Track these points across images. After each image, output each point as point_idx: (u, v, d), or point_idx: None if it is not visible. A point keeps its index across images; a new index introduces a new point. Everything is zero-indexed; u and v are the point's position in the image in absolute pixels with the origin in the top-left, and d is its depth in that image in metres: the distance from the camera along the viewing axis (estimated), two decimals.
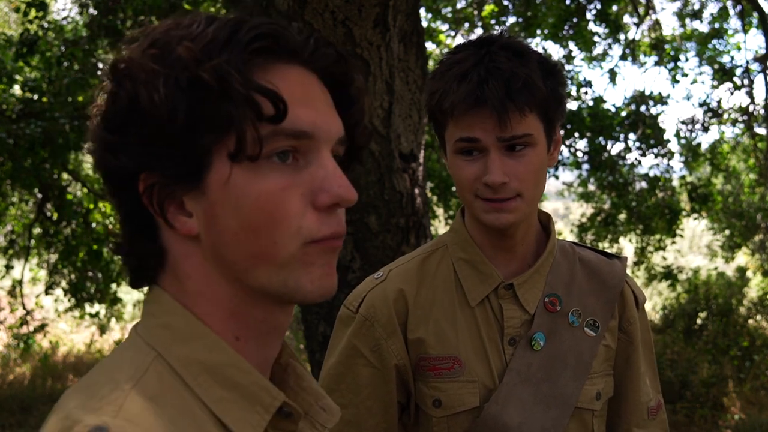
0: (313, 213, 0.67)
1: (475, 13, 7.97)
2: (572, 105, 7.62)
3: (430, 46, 7.88)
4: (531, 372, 1.20)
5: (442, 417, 1.20)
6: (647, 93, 7.74)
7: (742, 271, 9.72)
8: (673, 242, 7.93)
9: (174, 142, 0.64)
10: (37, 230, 7.33)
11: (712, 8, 8.88)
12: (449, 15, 8.17)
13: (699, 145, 8.30)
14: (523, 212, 1.17)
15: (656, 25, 8.29)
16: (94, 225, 7.36)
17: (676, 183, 7.90)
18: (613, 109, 7.60)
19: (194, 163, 0.65)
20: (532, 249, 1.27)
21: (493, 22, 7.83)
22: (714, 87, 8.26)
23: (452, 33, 8.27)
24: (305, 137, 0.66)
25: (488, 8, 7.80)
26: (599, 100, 7.61)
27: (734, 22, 8.72)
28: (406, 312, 1.24)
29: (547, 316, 1.23)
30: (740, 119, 8.10)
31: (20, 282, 7.58)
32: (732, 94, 8.43)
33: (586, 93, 7.82)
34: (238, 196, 0.65)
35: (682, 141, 8.28)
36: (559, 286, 1.26)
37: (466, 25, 8.15)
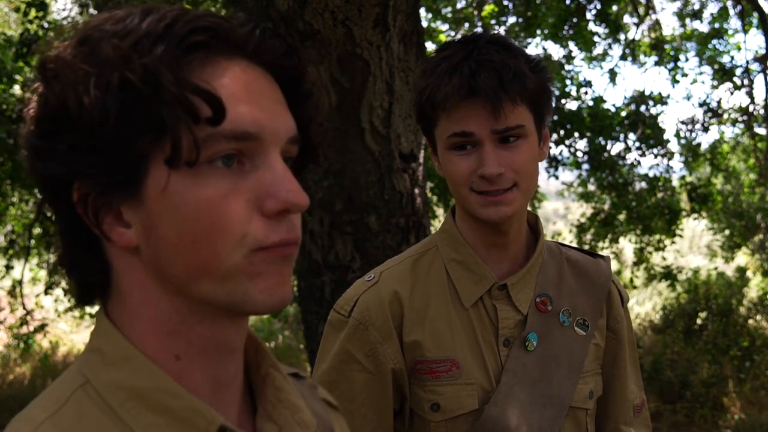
0: (261, 219, 0.62)
1: (475, 13, 7.97)
2: (572, 105, 7.62)
3: (430, 46, 7.87)
4: (526, 372, 1.20)
5: (441, 421, 1.18)
6: (647, 93, 7.75)
7: (742, 271, 9.72)
8: (673, 242, 7.92)
9: (106, 148, 0.59)
10: (37, 230, 7.32)
11: (712, 8, 8.89)
12: (449, 15, 8.18)
13: (699, 145, 8.31)
14: (519, 204, 1.17)
15: (656, 25, 8.29)
16: None
17: (675, 183, 7.90)
18: (613, 109, 7.60)
19: (129, 170, 0.60)
20: (522, 249, 1.26)
21: (493, 22, 7.83)
22: (714, 87, 8.28)
23: (452, 33, 8.27)
24: (249, 139, 0.61)
25: (488, 8, 7.80)
26: (599, 100, 7.61)
27: (734, 22, 8.73)
28: (402, 314, 1.21)
29: (539, 316, 1.23)
30: (740, 119, 8.11)
31: (20, 282, 7.55)
32: (732, 94, 8.44)
33: (586, 93, 7.82)
34: (176, 204, 0.60)
35: (682, 141, 8.29)
36: (549, 286, 1.25)
37: (466, 25, 8.15)
